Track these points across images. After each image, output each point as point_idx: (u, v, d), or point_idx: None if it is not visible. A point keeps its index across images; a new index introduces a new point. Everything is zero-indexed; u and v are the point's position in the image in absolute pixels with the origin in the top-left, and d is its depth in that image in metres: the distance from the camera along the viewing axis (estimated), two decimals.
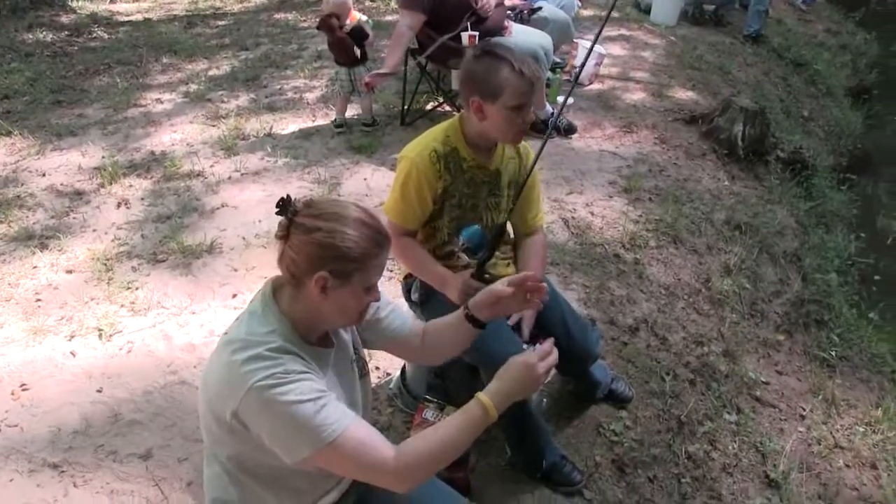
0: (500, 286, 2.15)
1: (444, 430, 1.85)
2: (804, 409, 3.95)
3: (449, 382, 3.07)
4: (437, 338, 2.28)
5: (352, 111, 6.06)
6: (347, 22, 5.47)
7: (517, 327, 2.79)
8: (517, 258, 2.94)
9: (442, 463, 1.87)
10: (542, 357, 1.91)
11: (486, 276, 2.62)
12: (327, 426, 1.74)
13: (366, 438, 1.80)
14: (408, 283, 2.96)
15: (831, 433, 3.82)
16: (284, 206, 1.83)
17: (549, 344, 1.95)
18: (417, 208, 2.68)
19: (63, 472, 2.91)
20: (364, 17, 5.68)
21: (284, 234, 1.83)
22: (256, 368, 1.74)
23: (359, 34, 5.50)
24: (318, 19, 5.56)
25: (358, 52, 5.58)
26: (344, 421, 1.77)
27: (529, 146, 2.94)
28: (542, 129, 5.71)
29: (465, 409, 1.87)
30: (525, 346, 2.74)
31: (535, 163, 2.72)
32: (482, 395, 1.86)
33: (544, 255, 3.00)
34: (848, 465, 3.69)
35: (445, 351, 2.33)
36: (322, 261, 1.79)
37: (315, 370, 1.85)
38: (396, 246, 2.69)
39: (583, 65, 3.54)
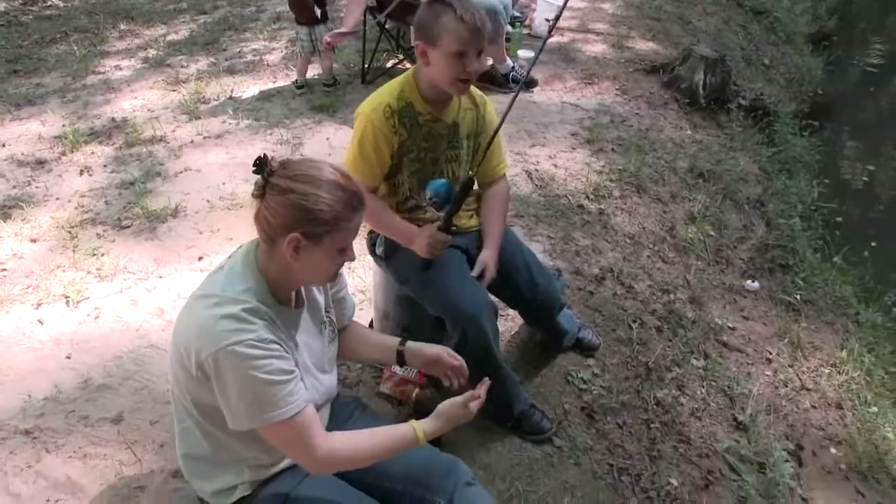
0: (445, 355, 2.29)
1: (375, 441, 1.98)
2: (770, 353, 4.01)
3: (416, 336, 3.08)
4: (357, 343, 2.40)
5: (312, 71, 6.02)
6: None
7: (480, 277, 2.81)
8: (480, 209, 2.96)
9: (360, 466, 2.01)
10: (472, 399, 2.04)
11: (453, 227, 2.65)
12: (279, 408, 1.81)
13: (307, 427, 1.88)
14: (372, 238, 2.96)
15: (797, 375, 3.89)
16: (261, 165, 1.83)
17: (482, 389, 2.09)
18: (376, 164, 2.68)
19: (35, 438, 2.91)
20: None
21: (260, 194, 1.84)
22: (231, 330, 1.77)
23: None
24: None
25: (318, 11, 5.54)
26: (295, 406, 1.84)
27: (485, 96, 2.95)
28: (504, 83, 5.71)
29: (398, 429, 2.00)
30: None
31: (504, 118, 2.71)
32: (417, 426, 1.99)
33: (507, 204, 3.02)
34: (814, 406, 3.77)
35: (356, 356, 2.51)
36: (295, 222, 1.80)
37: (284, 335, 1.90)
38: None
39: (557, 18, 3.46)
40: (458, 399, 2.02)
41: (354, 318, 2.45)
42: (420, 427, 1.98)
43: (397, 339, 2.33)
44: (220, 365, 1.77)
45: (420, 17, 2.61)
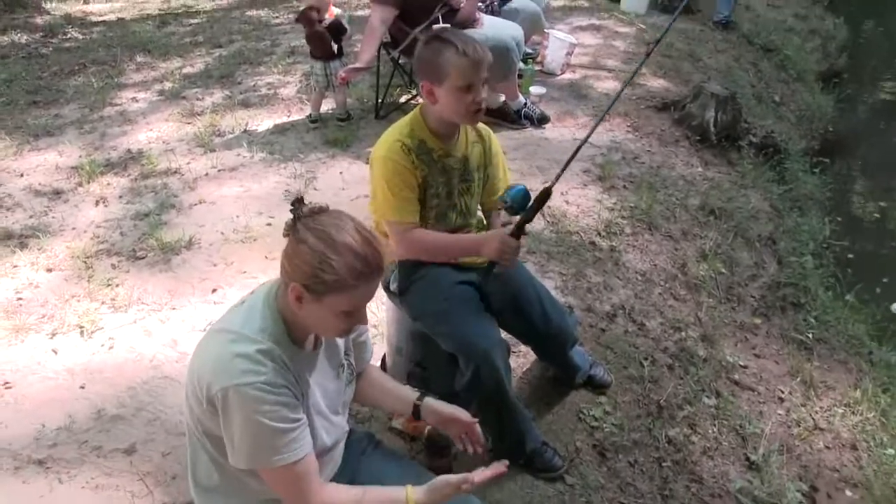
0: (462, 415, 2.29)
1: (367, 500, 1.99)
2: (783, 392, 3.99)
3: (429, 371, 3.10)
4: (374, 389, 2.39)
5: (326, 106, 6.08)
6: (326, 17, 5.49)
7: (493, 312, 2.83)
8: (489, 221, 3.01)
9: None
10: (465, 482, 2.00)
11: (523, 233, 2.66)
12: (280, 454, 1.84)
13: (304, 476, 1.91)
14: (385, 275, 2.98)
15: (810, 415, 3.87)
16: (295, 206, 1.86)
17: (479, 475, 2.04)
18: (411, 197, 2.70)
19: (48, 468, 2.92)
20: (342, 13, 5.71)
21: (286, 234, 1.87)
22: (244, 370, 1.79)
23: (337, 29, 5.52)
24: (291, 15, 5.57)
25: (335, 46, 5.60)
26: (295, 454, 1.86)
27: (491, 130, 3.01)
28: (516, 119, 5.76)
29: (392, 492, 2.01)
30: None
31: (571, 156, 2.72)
32: (411, 494, 1.98)
33: None
34: (828, 447, 3.74)
35: (371, 402, 2.50)
36: (300, 273, 1.82)
37: (295, 378, 1.90)
38: (409, 242, 2.73)
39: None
40: (453, 479, 2.00)
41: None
42: (413, 496, 1.98)
43: (416, 393, 2.32)
44: (229, 402, 1.79)
45: (421, 57, 2.66)
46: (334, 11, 5.60)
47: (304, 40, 5.79)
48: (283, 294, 1.90)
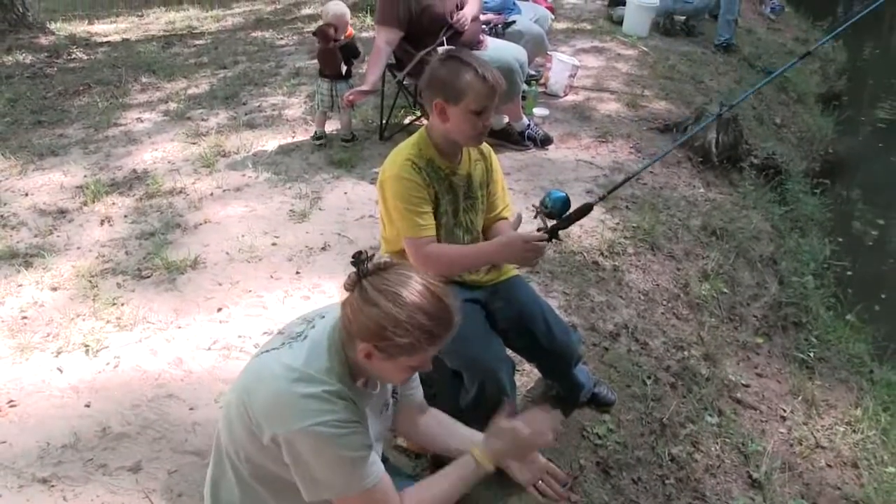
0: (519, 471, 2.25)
1: (445, 481, 2.06)
2: (785, 411, 4.02)
3: (435, 389, 3.11)
4: (439, 432, 2.39)
5: (330, 126, 6.11)
6: (342, 37, 5.54)
7: (498, 330, 2.85)
8: (487, 238, 3.02)
9: None
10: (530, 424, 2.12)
11: (556, 237, 2.71)
12: (361, 480, 1.88)
13: (389, 489, 1.95)
14: None
15: (812, 433, 3.90)
16: (358, 261, 1.86)
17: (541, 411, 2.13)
18: (427, 212, 2.72)
19: (53, 486, 2.92)
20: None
21: (350, 288, 1.87)
22: (315, 410, 1.82)
23: (351, 50, 5.58)
24: (296, 37, 5.62)
25: (344, 68, 5.65)
26: (376, 476, 1.91)
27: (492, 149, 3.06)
28: (519, 140, 5.79)
29: (460, 465, 2.09)
30: None
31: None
32: (478, 454, 2.06)
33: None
34: (830, 465, 3.77)
35: (433, 446, 2.48)
36: (371, 336, 1.82)
37: (361, 414, 1.93)
38: (429, 257, 2.72)
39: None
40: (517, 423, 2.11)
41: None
42: (479, 455, 2.07)
43: (472, 450, 2.21)
44: (301, 443, 1.82)
45: (438, 75, 2.67)
46: (352, 32, 5.66)
47: (308, 61, 5.82)
48: (346, 338, 1.90)
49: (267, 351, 2.02)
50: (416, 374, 2.32)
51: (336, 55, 5.56)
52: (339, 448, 1.82)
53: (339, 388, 1.86)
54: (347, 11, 5.67)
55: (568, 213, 2.69)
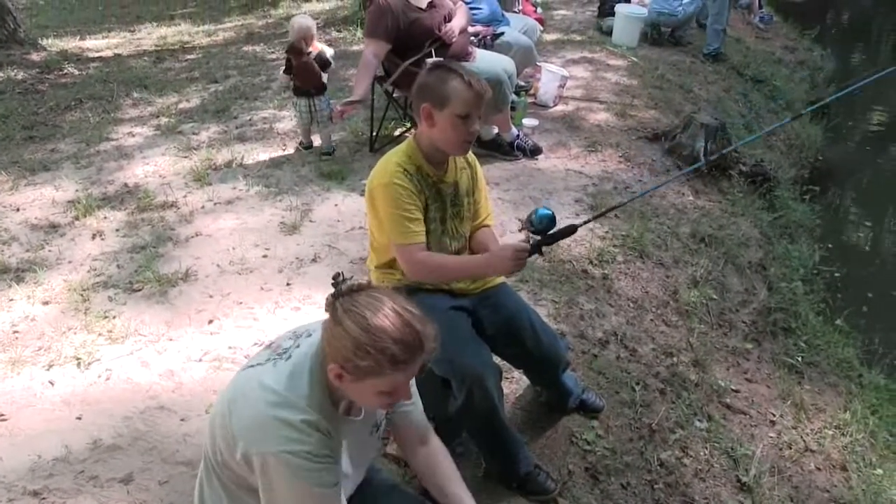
0: None
1: None
2: (774, 415, 4.05)
3: (423, 397, 3.13)
4: (436, 477, 2.35)
5: (315, 139, 6.17)
6: (310, 50, 5.58)
7: (486, 337, 2.87)
8: (471, 246, 3.05)
9: None
10: None
11: (538, 254, 2.74)
12: None
13: None
14: None
15: (801, 437, 3.92)
16: (335, 283, 1.89)
17: None
18: (418, 219, 2.75)
19: (44, 499, 2.93)
20: (328, 49, 5.81)
21: (327, 309, 1.89)
22: (288, 438, 1.83)
23: (322, 62, 5.61)
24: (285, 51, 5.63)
25: (325, 76, 5.70)
26: None
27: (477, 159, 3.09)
28: (509, 151, 5.82)
29: None
30: None
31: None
32: None
33: (495, 240, 3.12)
34: (819, 468, 3.79)
35: (426, 484, 2.39)
36: (338, 355, 1.83)
37: (336, 444, 1.94)
38: (418, 264, 2.76)
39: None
40: None
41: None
42: None
43: None
44: (270, 467, 1.83)
45: (425, 82, 2.73)
46: (318, 46, 5.70)
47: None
48: (324, 360, 1.91)
49: (252, 366, 2.03)
50: (413, 389, 2.29)
51: (313, 67, 5.60)
52: (305, 481, 1.83)
53: (317, 419, 1.87)
54: (313, 24, 5.70)
55: (553, 232, 2.72)
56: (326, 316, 1.89)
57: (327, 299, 1.88)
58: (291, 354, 1.98)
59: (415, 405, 2.35)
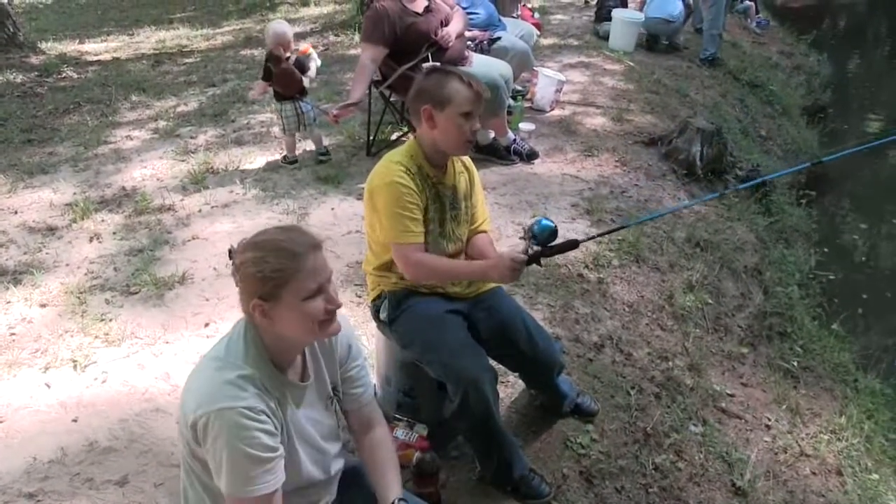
0: None
1: None
2: (769, 419, 4.05)
3: (419, 400, 3.15)
4: (369, 456, 2.33)
5: (300, 147, 6.18)
6: (288, 55, 5.58)
7: (481, 340, 2.88)
8: (468, 252, 3.05)
9: None
10: None
11: (537, 263, 2.73)
12: (254, 485, 1.86)
13: None
14: (376, 305, 3.02)
15: (797, 442, 3.92)
16: (230, 253, 1.97)
17: None
18: (418, 218, 2.76)
19: (39, 501, 2.94)
20: (312, 52, 5.84)
21: (233, 274, 1.95)
22: (226, 395, 1.84)
23: (300, 66, 5.63)
24: (287, 55, 5.61)
25: (307, 80, 5.72)
26: (266, 487, 1.88)
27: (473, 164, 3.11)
28: (505, 155, 5.84)
29: None
30: None
31: None
32: None
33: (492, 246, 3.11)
34: (814, 473, 3.79)
35: (364, 464, 2.38)
36: (250, 291, 1.89)
37: (275, 405, 1.94)
38: (416, 264, 2.77)
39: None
40: None
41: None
42: None
43: (392, 496, 2.21)
44: (211, 426, 1.82)
45: (424, 85, 2.77)
46: (299, 48, 5.73)
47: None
48: (257, 329, 1.95)
49: None
50: (363, 373, 2.31)
51: (294, 72, 5.60)
52: (238, 440, 1.82)
53: (252, 373, 1.89)
54: (289, 28, 5.69)
55: (552, 245, 2.72)
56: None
57: (231, 269, 1.97)
58: (235, 328, 2.02)
59: (364, 388, 2.33)
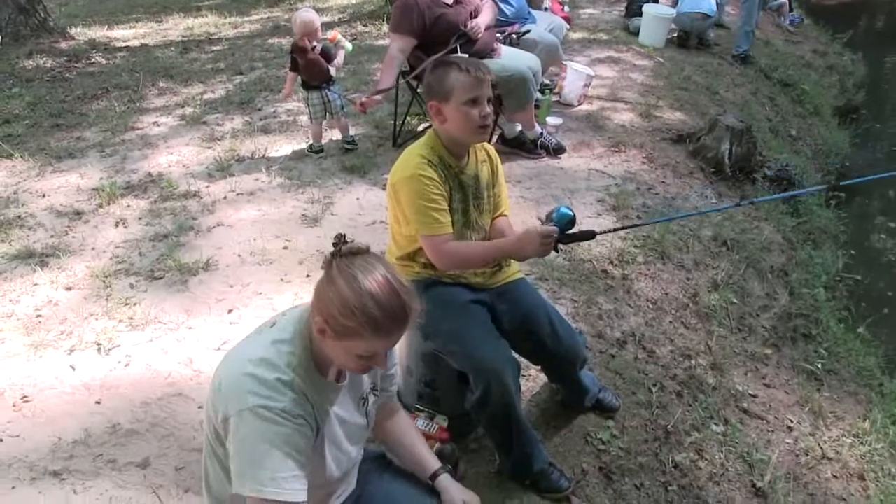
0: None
1: None
2: (791, 421, 4.01)
3: (439, 392, 3.14)
4: (400, 438, 2.36)
5: (326, 136, 6.17)
6: (314, 44, 5.56)
7: (504, 332, 2.87)
8: (490, 235, 3.04)
9: None
10: None
11: (555, 250, 2.71)
12: (278, 489, 1.82)
13: None
14: None
15: (819, 444, 3.88)
16: (337, 243, 1.90)
17: None
18: (444, 209, 2.75)
19: (63, 479, 2.97)
20: (341, 38, 5.79)
21: (323, 266, 1.90)
22: (262, 395, 1.82)
23: (327, 55, 5.61)
24: (315, 43, 5.60)
25: (332, 70, 5.70)
26: (294, 494, 1.84)
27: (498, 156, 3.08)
28: (532, 149, 5.82)
29: None
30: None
31: None
32: None
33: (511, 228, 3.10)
34: (836, 476, 3.75)
35: (392, 451, 2.42)
36: (324, 310, 1.84)
37: (312, 409, 1.93)
38: (447, 254, 2.77)
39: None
40: None
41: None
42: None
43: (436, 465, 2.28)
44: (243, 422, 1.82)
45: (428, 82, 2.80)
46: (337, 35, 5.70)
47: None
48: (311, 319, 1.92)
49: (242, 340, 2.06)
50: (396, 369, 2.34)
51: (319, 61, 5.58)
52: (272, 436, 1.81)
53: (293, 380, 1.87)
54: (316, 17, 5.65)
55: (571, 232, 2.71)
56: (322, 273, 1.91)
57: (325, 257, 1.89)
58: (276, 322, 2.01)
59: (396, 385, 2.38)
